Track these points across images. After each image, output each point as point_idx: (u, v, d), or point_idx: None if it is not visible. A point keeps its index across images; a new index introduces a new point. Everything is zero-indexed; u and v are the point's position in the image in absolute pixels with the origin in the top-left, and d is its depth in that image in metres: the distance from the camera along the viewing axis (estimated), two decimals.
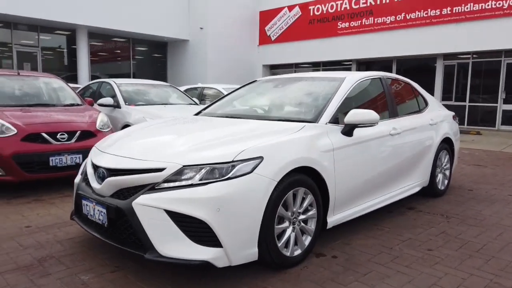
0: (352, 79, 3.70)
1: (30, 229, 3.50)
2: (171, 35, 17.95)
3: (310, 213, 2.92)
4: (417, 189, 4.37)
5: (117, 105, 6.87)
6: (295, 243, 2.83)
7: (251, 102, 4.01)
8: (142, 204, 2.37)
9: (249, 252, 2.47)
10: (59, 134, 4.73)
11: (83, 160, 4.29)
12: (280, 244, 2.67)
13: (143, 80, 8.29)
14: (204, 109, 4.14)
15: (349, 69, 17.86)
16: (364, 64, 17.75)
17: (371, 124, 3.25)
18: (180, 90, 8.17)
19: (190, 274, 2.63)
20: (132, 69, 18.81)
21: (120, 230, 2.54)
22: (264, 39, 20.15)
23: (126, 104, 6.83)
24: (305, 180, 2.81)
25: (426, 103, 4.79)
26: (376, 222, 3.82)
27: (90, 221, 2.79)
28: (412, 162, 4.18)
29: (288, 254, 2.75)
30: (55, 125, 4.80)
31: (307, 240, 2.92)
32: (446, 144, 4.88)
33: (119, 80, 7.59)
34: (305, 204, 2.86)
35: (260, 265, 2.71)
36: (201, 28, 17.87)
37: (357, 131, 3.35)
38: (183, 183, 2.39)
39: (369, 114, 3.21)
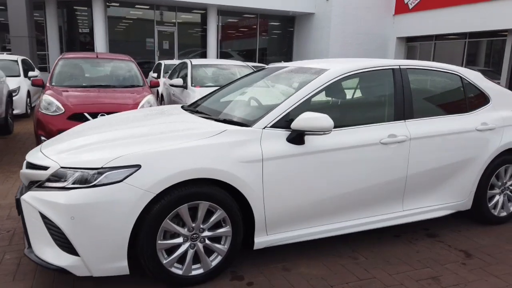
0: (335, 72, 2.99)
1: None
2: (296, 9, 17.61)
3: (221, 230, 2.56)
4: (444, 213, 3.39)
5: (185, 86, 7.15)
6: (197, 262, 2.54)
7: (227, 97, 3.62)
8: (25, 200, 2.42)
9: (116, 266, 2.32)
10: (99, 114, 5.19)
11: None
12: (166, 261, 2.43)
13: (222, 60, 8.39)
14: (200, 99, 3.95)
15: (503, 42, 14.70)
16: None
17: (322, 132, 2.61)
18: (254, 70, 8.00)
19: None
20: (258, 45, 19.29)
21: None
22: (401, 7, 18.04)
23: (192, 86, 7.05)
24: (211, 193, 2.45)
25: (487, 100, 3.59)
26: (357, 248, 3.13)
27: None
28: (434, 178, 3.24)
29: (180, 273, 2.49)
30: (98, 106, 5.28)
31: (216, 260, 2.58)
32: None
33: (196, 61, 7.85)
34: (211, 220, 2.52)
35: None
36: (326, 0, 17.01)
37: (315, 138, 2.75)
38: (59, 184, 2.35)
39: (320, 120, 2.58)
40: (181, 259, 2.50)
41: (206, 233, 2.54)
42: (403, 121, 3.14)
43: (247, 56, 19.12)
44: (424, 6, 16.94)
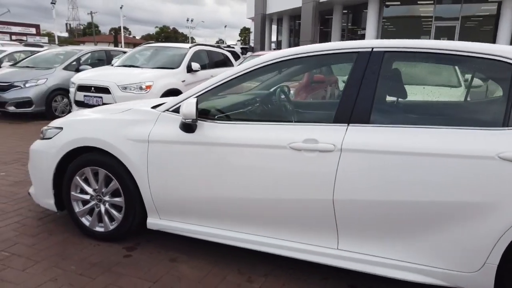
0: (267, 57, 2.49)
1: None
2: None
3: (116, 199, 2.81)
4: (417, 278, 2.12)
5: None
6: (100, 221, 2.91)
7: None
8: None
9: (48, 202, 3.01)
10: None
11: None
12: (78, 210, 2.94)
13: None
14: None
15: None
16: None
17: (184, 119, 2.39)
18: None
19: None
20: None
21: None
22: None
23: None
24: (108, 163, 2.74)
25: None
26: (271, 275, 2.52)
27: None
28: (395, 219, 2.12)
29: (88, 224, 2.94)
30: None
31: (114, 225, 2.85)
32: None
33: None
34: (109, 187, 2.81)
35: None
36: None
37: (210, 128, 2.49)
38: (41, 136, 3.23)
39: (184, 105, 2.39)
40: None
41: (107, 198, 2.86)
42: (345, 125, 2.21)
43: None
44: None
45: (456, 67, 2.24)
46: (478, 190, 1.94)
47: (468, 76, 2.37)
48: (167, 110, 2.66)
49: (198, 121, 2.50)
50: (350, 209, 2.18)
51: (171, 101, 2.69)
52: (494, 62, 2.07)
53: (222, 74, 2.59)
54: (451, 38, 15.78)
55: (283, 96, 3.04)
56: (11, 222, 3.17)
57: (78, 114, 3.14)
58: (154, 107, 2.80)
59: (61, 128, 2.94)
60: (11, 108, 7.59)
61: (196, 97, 2.52)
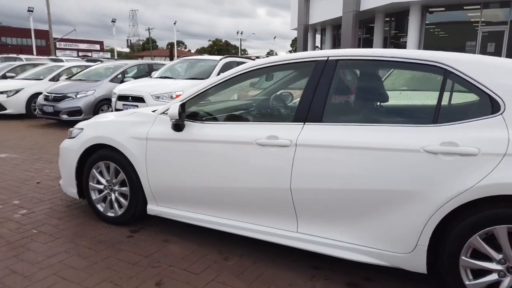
0: (242, 67, 2.88)
1: None
2: None
3: (124, 188, 3.32)
4: (364, 259, 2.39)
5: None
6: (111, 207, 3.43)
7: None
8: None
9: (72, 191, 3.60)
10: None
11: None
12: (95, 198, 3.48)
13: None
14: None
15: None
16: None
17: (171, 119, 2.83)
18: None
19: None
20: None
21: None
22: None
23: None
24: (116, 157, 3.27)
25: (494, 109, 2.09)
26: (246, 256, 2.88)
27: None
28: (338, 204, 2.42)
29: (102, 210, 3.47)
30: None
31: (121, 211, 3.36)
32: None
33: None
34: (117, 179, 3.33)
35: None
36: None
37: (194, 128, 2.93)
38: (68, 135, 3.85)
39: (171, 109, 2.84)
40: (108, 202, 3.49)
41: (116, 188, 3.38)
42: (302, 123, 2.55)
43: None
44: None
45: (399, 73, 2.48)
46: (408, 179, 2.19)
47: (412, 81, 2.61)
48: (163, 112, 3.13)
49: (189, 122, 2.94)
50: (304, 196, 2.50)
51: (167, 105, 3.16)
52: (430, 67, 2.32)
53: (204, 83, 3.02)
54: (499, 43, 15.14)
55: (270, 101, 3.41)
56: (44, 208, 3.79)
57: (99, 117, 3.72)
58: (154, 111, 3.28)
59: (82, 129, 3.52)
60: (64, 116, 8.57)
61: (183, 101, 2.97)
